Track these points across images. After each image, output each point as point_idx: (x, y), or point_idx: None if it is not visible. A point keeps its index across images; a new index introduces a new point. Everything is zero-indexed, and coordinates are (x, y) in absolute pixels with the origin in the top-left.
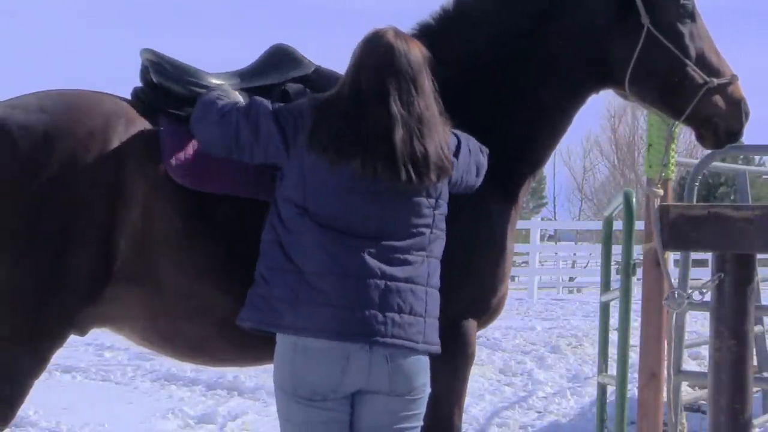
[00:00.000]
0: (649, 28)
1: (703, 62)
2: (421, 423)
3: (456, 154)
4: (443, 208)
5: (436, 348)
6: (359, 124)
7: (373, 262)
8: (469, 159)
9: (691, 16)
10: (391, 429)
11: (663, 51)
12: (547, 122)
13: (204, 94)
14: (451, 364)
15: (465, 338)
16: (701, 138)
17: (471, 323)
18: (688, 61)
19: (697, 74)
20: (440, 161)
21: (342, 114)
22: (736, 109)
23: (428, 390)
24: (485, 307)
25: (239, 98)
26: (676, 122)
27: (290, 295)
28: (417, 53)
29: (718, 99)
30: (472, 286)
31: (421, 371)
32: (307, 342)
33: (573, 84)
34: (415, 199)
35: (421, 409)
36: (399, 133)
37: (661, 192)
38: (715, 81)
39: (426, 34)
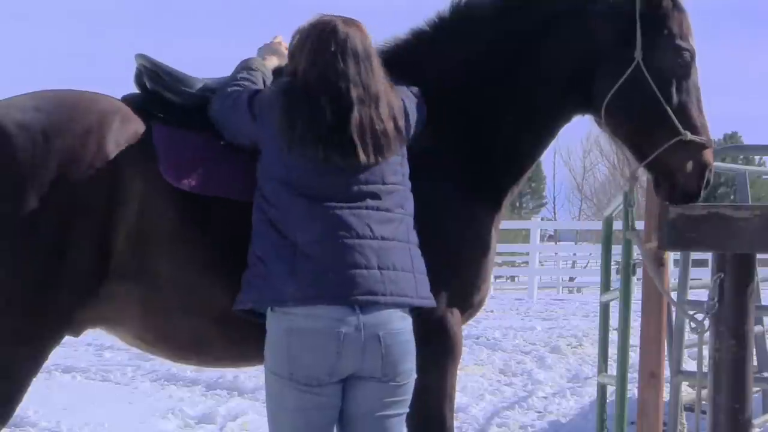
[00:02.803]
0: (639, 63)
1: (683, 115)
2: (407, 410)
3: (407, 114)
4: (406, 165)
5: (430, 301)
6: (323, 112)
7: (362, 224)
8: (415, 111)
9: (686, 67)
10: (379, 414)
11: (646, 90)
12: (534, 134)
13: (236, 68)
14: (439, 357)
15: (451, 332)
16: (657, 188)
17: (456, 317)
18: (668, 108)
19: (673, 123)
20: (397, 134)
21: (305, 104)
22: (701, 173)
23: (414, 376)
24: (468, 304)
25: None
26: (638, 166)
27: (287, 268)
28: (362, 33)
29: (686, 156)
30: (457, 284)
31: (408, 354)
32: (301, 323)
33: (560, 100)
34: (388, 158)
35: (408, 395)
36: (360, 115)
37: (654, 244)
38: (689, 135)
39: (421, 40)
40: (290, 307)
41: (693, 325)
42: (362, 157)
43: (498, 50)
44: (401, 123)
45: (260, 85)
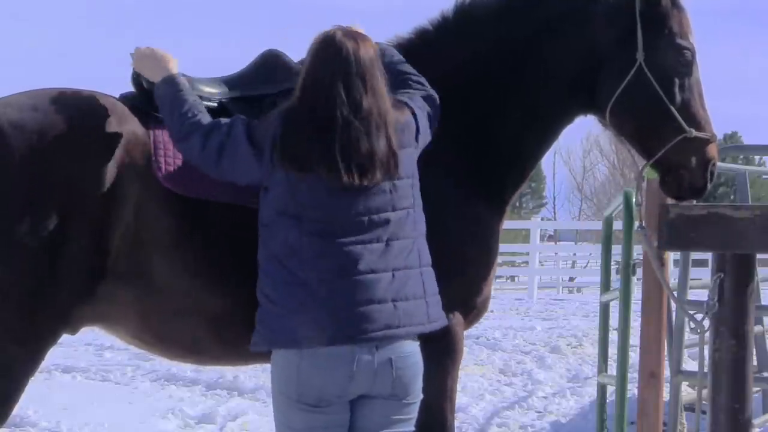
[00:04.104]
0: (641, 65)
1: (687, 112)
2: (413, 428)
3: (417, 127)
4: (417, 182)
5: (441, 322)
6: (313, 132)
7: (374, 258)
8: (426, 122)
9: (688, 66)
10: (387, 431)
11: (649, 90)
12: (538, 133)
13: (179, 105)
14: (440, 361)
15: (452, 335)
16: (664, 184)
17: (458, 319)
18: (671, 107)
19: (678, 121)
20: (387, 159)
21: (299, 124)
22: (706, 168)
23: (421, 396)
24: (470, 305)
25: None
26: (645, 164)
27: (298, 308)
28: (367, 50)
29: (691, 151)
30: (459, 287)
31: (418, 375)
32: (316, 348)
33: (565, 100)
34: (398, 182)
35: (414, 414)
36: (345, 135)
37: (654, 244)
38: (694, 132)
39: (425, 40)
40: (310, 347)
41: (692, 325)
42: (345, 178)
43: (502, 50)
44: (398, 142)
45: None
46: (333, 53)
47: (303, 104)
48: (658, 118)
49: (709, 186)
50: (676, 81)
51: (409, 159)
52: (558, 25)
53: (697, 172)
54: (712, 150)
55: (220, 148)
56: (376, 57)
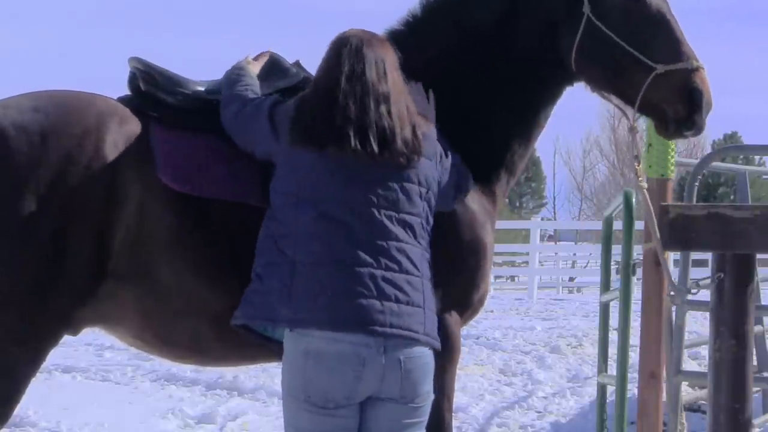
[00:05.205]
0: (590, 17)
1: (653, 48)
2: (424, 431)
3: (442, 155)
4: (433, 202)
5: (437, 343)
6: (330, 111)
7: (367, 250)
8: (450, 172)
9: (639, 1)
10: None
11: (604, 39)
12: (524, 121)
13: (232, 73)
14: (437, 357)
15: (449, 333)
16: (655, 126)
17: (454, 318)
18: (631, 49)
19: (643, 61)
20: (411, 138)
21: (315, 106)
22: (685, 96)
23: (431, 397)
24: (467, 304)
25: (256, 83)
26: (637, 114)
27: (283, 287)
28: (381, 44)
29: (667, 85)
30: (456, 283)
31: (428, 376)
32: (320, 346)
33: (543, 77)
34: (407, 184)
35: (425, 416)
36: (356, 108)
37: (645, 185)
38: (662, 67)
39: (396, 39)
40: (283, 326)
41: (672, 293)
42: (354, 144)
43: (471, 39)
44: (417, 132)
45: (259, 93)
46: (345, 43)
47: (315, 89)
48: (624, 63)
49: (698, 118)
50: (631, 20)
51: (427, 168)
52: (518, 6)
53: (677, 103)
54: (697, 79)
55: (248, 119)
56: (394, 57)
